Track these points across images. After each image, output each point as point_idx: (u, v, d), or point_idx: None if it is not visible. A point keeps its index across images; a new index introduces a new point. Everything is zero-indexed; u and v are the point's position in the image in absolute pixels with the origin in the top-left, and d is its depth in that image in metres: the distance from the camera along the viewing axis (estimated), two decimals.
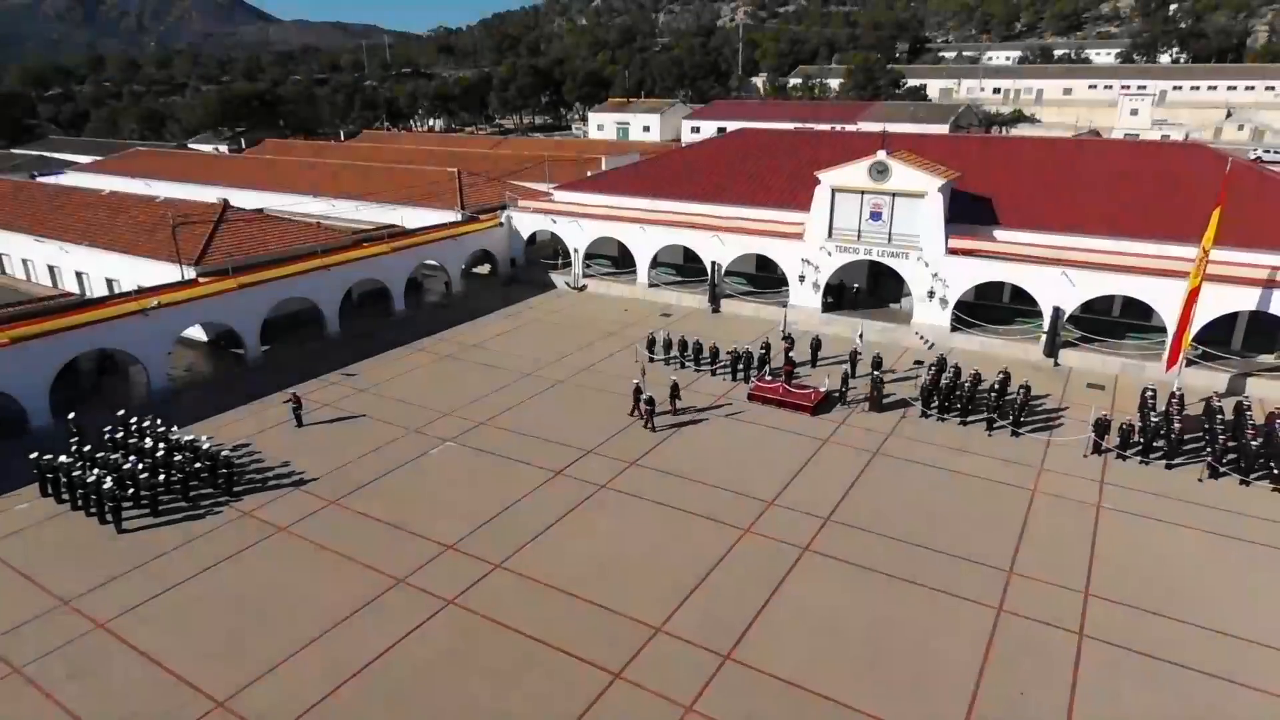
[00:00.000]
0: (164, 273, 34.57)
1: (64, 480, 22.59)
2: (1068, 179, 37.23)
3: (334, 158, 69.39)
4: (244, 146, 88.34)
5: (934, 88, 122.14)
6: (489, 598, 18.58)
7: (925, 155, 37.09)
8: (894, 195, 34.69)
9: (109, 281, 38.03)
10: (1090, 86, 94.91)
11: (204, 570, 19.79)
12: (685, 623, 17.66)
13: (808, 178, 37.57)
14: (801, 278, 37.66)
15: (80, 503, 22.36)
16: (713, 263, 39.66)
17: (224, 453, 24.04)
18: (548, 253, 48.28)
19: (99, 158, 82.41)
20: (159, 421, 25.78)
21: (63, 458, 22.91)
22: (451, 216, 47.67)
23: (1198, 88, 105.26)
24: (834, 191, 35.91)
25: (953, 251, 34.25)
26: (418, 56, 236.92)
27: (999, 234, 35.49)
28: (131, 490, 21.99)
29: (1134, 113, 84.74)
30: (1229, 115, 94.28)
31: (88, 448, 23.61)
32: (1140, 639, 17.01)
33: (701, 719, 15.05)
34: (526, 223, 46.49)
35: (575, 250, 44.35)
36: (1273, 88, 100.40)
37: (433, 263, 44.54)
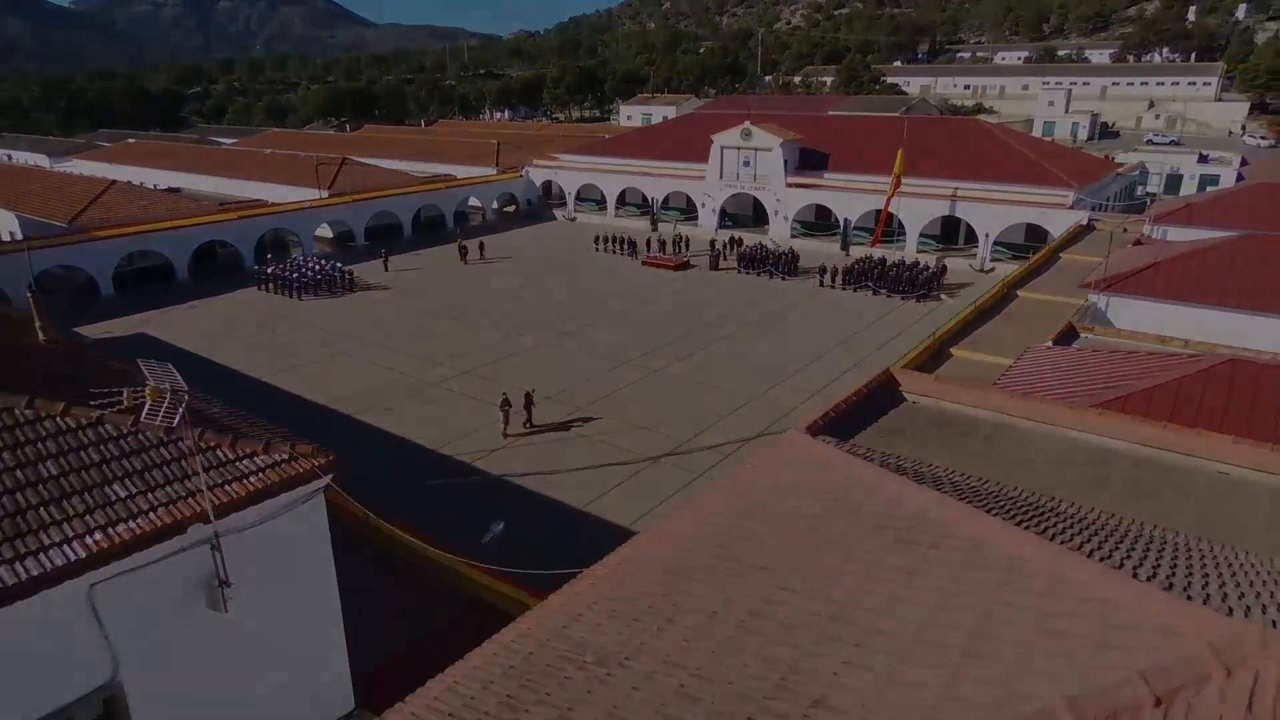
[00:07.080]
0: (309, 195, 57.16)
1: (271, 279, 44.97)
2: (881, 140, 56.10)
3: (416, 137, 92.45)
4: (349, 130, 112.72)
5: (915, 85, 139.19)
6: (479, 316, 39.88)
7: (802, 131, 56.69)
8: (755, 149, 54.50)
9: None
10: (1044, 84, 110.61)
11: (345, 311, 41.72)
12: (561, 311, 38.52)
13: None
14: (703, 205, 57.84)
15: (279, 291, 44.66)
16: (651, 198, 60.11)
17: (349, 268, 46.24)
18: (554, 196, 69.46)
19: (235, 140, 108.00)
20: (318, 256, 47.98)
21: (269, 269, 45.36)
22: (488, 171, 69.45)
23: (1132, 84, 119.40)
24: (721, 148, 55.94)
25: (790, 185, 53.90)
26: (494, 59, 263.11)
27: (827, 176, 54.77)
28: (305, 282, 44.12)
29: (1050, 104, 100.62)
30: (1150, 106, 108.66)
31: (283, 265, 45.96)
32: (756, 343, 36.93)
33: (558, 330, 35.93)
34: (539, 175, 67.88)
35: (569, 193, 65.44)
36: (1194, 83, 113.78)
37: (474, 202, 66.33)
